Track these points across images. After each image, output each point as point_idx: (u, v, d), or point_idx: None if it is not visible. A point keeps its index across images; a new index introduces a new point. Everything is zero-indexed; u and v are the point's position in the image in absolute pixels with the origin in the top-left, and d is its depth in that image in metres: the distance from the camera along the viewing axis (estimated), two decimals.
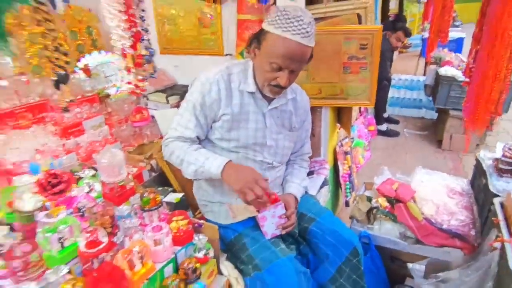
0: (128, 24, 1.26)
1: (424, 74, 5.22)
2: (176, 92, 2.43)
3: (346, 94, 1.85)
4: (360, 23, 1.72)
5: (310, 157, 2.17)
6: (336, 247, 1.35)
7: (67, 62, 1.96)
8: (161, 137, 2.11)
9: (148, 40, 1.35)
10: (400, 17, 4.90)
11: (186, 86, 1.42)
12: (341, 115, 2.15)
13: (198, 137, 1.34)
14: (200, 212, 1.60)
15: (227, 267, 1.30)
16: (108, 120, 2.08)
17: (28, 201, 1.04)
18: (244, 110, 1.32)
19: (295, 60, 1.18)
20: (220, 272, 1.30)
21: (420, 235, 1.62)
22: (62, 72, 1.89)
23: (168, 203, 1.65)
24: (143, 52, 1.35)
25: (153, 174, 1.85)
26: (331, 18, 1.73)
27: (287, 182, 1.51)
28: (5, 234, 0.98)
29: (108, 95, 2.32)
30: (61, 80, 1.96)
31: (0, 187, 1.27)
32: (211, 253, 1.25)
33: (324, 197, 2.06)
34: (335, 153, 2.24)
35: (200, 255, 1.21)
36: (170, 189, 1.79)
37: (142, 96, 2.40)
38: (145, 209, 1.20)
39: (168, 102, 2.37)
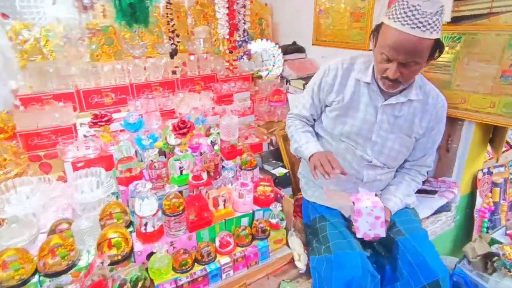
0: (229, 17, 1.59)
1: None
2: None
3: (499, 109, 1.50)
4: None
5: (439, 175, 1.90)
6: (414, 270, 1.19)
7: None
8: None
9: (244, 30, 1.66)
10: None
11: None
12: (494, 136, 1.73)
13: (312, 115, 1.50)
14: (300, 193, 1.69)
15: (293, 242, 1.41)
16: (253, 97, 2.51)
17: (172, 138, 1.51)
18: (355, 98, 1.36)
19: (403, 51, 1.12)
20: (288, 245, 1.44)
21: None
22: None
23: (272, 175, 1.91)
24: (238, 38, 1.67)
25: (271, 148, 2.13)
26: (497, 15, 1.42)
27: (389, 193, 1.41)
28: (156, 154, 1.48)
29: (260, 77, 2.75)
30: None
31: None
32: (283, 224, 1.40)
33: (442, 225, 1.78)
34: (475, 179, 1.84)
35: (273, 221, 1.39)
36: (280, 163, 2.03)
37: (286, 81, 2.71)
38: (242, 168, 1.49)
39: (304, 88, 2.56)
